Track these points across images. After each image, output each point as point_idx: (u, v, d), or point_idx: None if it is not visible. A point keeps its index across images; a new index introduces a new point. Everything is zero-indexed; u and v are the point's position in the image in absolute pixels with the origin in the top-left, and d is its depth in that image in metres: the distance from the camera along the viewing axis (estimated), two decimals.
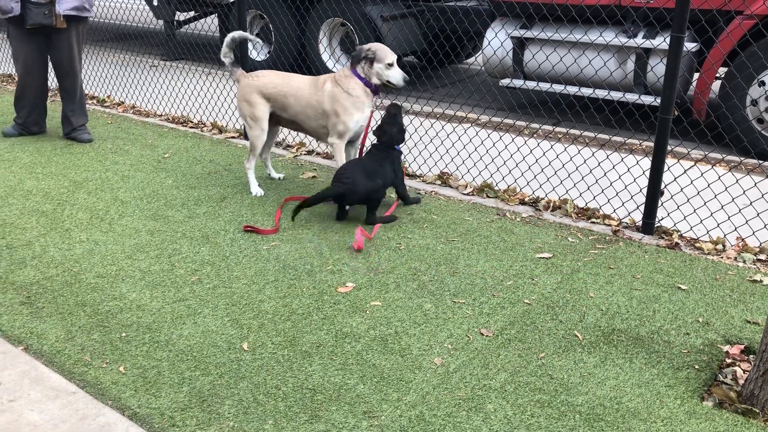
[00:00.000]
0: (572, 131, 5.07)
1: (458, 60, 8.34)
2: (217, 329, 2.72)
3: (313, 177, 4.49)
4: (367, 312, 2.87)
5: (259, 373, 2.45)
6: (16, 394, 2.29)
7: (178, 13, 8.95)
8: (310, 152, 5.01)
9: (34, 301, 2.87)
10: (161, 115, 5.92)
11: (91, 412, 2.22)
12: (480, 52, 6.84)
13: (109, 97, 6.43)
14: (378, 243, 3.51)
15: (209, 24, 9.41)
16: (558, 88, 5.71)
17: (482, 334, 2.72)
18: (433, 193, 4.24)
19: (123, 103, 6.26)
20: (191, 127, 5.59)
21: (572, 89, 5.64)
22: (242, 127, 5.31)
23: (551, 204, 3.98)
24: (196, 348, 2.59)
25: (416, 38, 7.28)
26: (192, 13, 9.29)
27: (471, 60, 8.53)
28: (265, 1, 7.53)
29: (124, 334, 2.66)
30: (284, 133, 5.37)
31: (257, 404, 2.29)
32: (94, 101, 6.39)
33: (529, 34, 5.80)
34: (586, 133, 4.82)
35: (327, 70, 7.36)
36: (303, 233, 3.60)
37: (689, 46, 5.27)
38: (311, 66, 7.47)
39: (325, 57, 7.41)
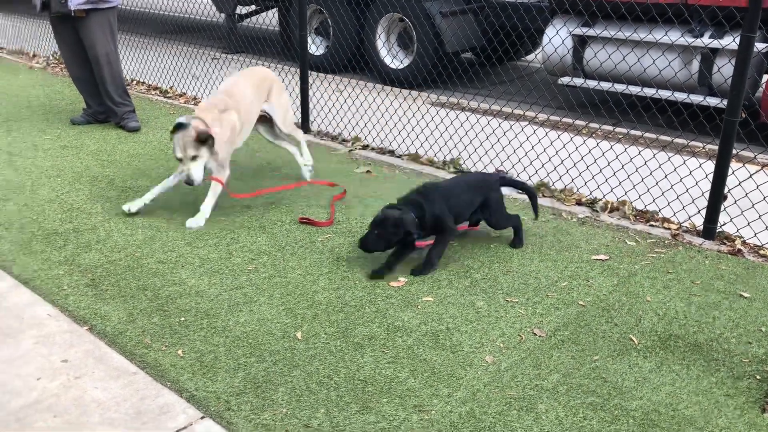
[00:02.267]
0: (633, 132, 4.96)
1: (516, 57, 8.25)
2: (272, 318, 2.77)
3: (368, 172, 4.52)
4: (419, 307, 2.88)
5: (312, 363, 2.49)
6: (81, 372, 2.39)
7: (239, 6, 9.11)
8: (365, 147, 5.04)
9: (98, 284, 2.99)
10: None
11: (151, 392, 2.30)
12: (539, 49, 6.75)
13: (171, 88, 6.60)
14: None
15: (269, 18, 9.54)
16: (620, 87, 5.59)
17: (535, 334, 2.70)
18: None
19: (185, 94, 6.42)
20: None
21: (635, 89, 5.50)
22: (298, 120, 5.39)
23: (609, 205, 3.91)
24: (251, 335, 2.65)
25: (475, 35, 7.23)
26: (252, 7, 9.44)
27: (529, 57, 8.42)
28: None
29: (182, 319, 2.74)
30: (340, 127, 5.42)
31: (310, 392, 2.33)
32: (157, 92, 6.57)
33: (591, 32, 5.69)
34: (647, 135, 4.71)
35: (384, 66, 7.38)
36: (357, 227, 3.63)
37: (760, 46, 5.09)
38: (368, 61, 7.50)
39: (382, 53, 7.43)
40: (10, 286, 2.91)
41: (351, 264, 3.23)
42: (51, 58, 7.85)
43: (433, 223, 3.20)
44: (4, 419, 2.14)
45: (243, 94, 3.82)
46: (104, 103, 5.28)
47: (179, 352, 2.52)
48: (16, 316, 2.70)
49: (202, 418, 2.18)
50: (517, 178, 3.87)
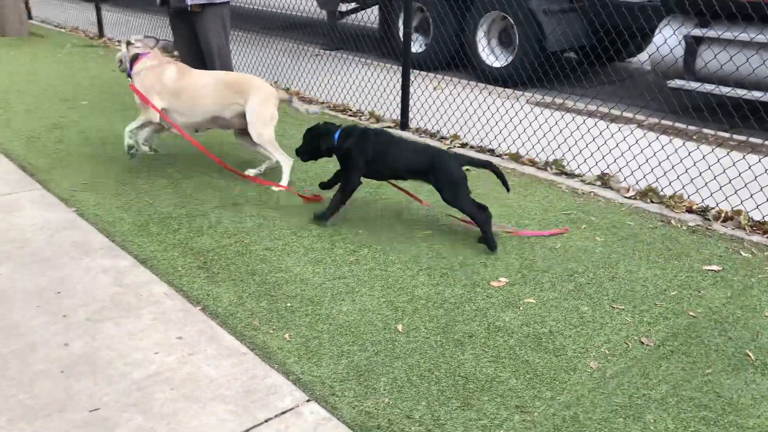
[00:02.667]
0: (753, 139, 4.70)
1: (622, 58, 7.99)
2: (374, 309, 2.82)
3: (467, 170, 4.50)
4: (521, 308, 2.85)
5: (412, 355, 2.51)
6: (194, 349, 2.51)
7: (341, 4, 9.28)
8: (464, 145, 5.02)
9: (210, 266, 3.13)
10: (323, 102, 6.18)
11: (260, 372, 2.38)
12: (649, 50, 6.50)
13: (276, 83, 6.81)
14: (533, 240, 3.47)
15: (370, 16, 9.66)
16: (741, 92, 5.31)
17: (642, 343, 2.61)
18: (591, 194, 4.11)
19: (288, 89, 6.60)
20: (350, 115, 5.80)
21: (757, 93, 5.21)
22: (398, 117, 5.43)
23: (722, 214, 3.72)
24: (353, 324, 2.70)
25: (579, 34, 7.06)
26: (353, 5, 9.59)
27: (635, 58, 8.13)
28: None
29: (289, 304, 2.83)
30: (439, 125, 5.42)
31: (411, 385, 2.35)
32: None
33: (711, 32, 5.42)
34: None
35: (484, 64, 7.33)
36: (459, 223, 3.62)
37: None
38: (468, 59, 7.47)
39: (483, 51, 7.38)
40: (129, 264, 3.10)
41: (450, 261, 3.23)
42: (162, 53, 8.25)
43: (345, 152, 3.50)
44: (126, 388, 2.27)
45: (198, 79, 4.16)
46: None
47: (286, 336, 2.61)
48: (135, 293, 2.86)
49: (308, 401, 2.25)
50: (478, 157, 4.00)
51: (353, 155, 3.48)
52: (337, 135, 3.55)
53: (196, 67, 5.40)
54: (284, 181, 4.10)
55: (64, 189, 3.91)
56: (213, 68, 5.26)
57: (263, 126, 4.08)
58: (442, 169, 3.39)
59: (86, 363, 2.40)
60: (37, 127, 5.07)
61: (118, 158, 4.46)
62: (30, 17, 9.97)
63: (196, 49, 5.27)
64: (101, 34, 9.26)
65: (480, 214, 3.35)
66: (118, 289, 2.88)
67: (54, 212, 3.60)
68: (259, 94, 4.09)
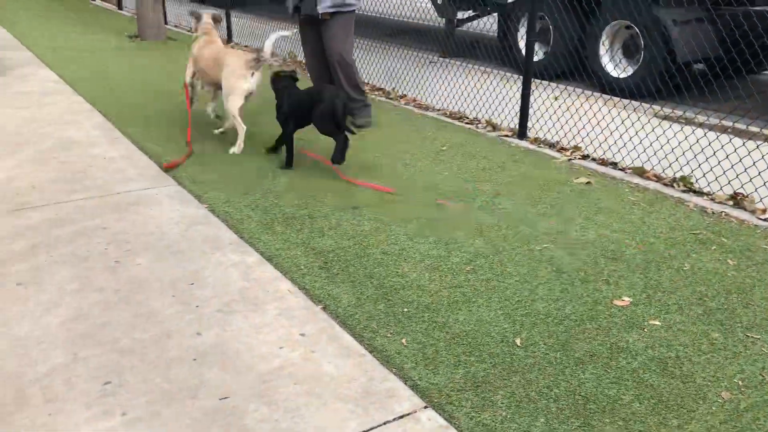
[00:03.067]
0: None
1: (758, 70, 7.51)
2: (491, 320, 2.80)
3: (588, 183, 4.39)
4: (645, 330, 2.74)
5: (531, 371, 2.48)
6: (316, 347, 2.59)
7: (459, 11, 9.29)
8: (585, 157, 4.90)
9: (330, 267, 3.22)
10: (439, 110, 6.21)
11: (378, 375, 2.43)
12: None
13: (393, 89, 6.91)
14: (659, 260, 3.33)
15: (488, 23, 9.62)
16: None
17: None
18: (722, 213, 3.89)
19: (405, 95, 6.69)
20: (466, 123, 5.79)
21: None
22: (516, 126, 5.37)
23: None
24: (470, 334, 2.70)
25: (711, 44, 6.70)
26: (471, 12, 9.58)
27: None
28: (548, 3, 7.49)
29: (405, 309, 2.86)
30: (558, 135, 5.31)
31: (529, 400, 2.32)
32: (380, 93, 6.91)
33: None
34: None
35: (605, 75, 7.11)
36: (580, 237, 3.54)
37: None
38: (589, 69, 7.27)
39: (605, 61, 7.16)
40: (256, 261, 3.24)
41: (571, 277, 3.16)
42: (287, 57, 8.58)
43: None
44: (252, 380, 2.39)
45: (208, 52, 5.09)
46: None
47: (403, 341, 2.64)
48: (262, 288, 3.00)
49: (425, 407, 2.27)
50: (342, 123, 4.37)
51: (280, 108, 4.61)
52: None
53: (321, 74, 5.60)
54: (238, 144, 4.87)
55: (198, 185, 4.15)
56: (336, 75, 5.41)
57: (227, 96, 4.84)
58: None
59: (217, 353, 2.53)
60: (171, 127, 5.41)
61: (247, 159, 4.69)
62: (166, 22, 10.64)
63: (322, 56, 5.45)
64: (229, 39, 9.75)
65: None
66: (246, 283, 3.03)
67: (188, 208, 3.83)
68: (227, 68, 4.80)
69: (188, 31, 10.94)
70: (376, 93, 6.88)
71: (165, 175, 4.32)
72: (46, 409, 2.23)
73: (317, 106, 4.34)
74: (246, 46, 9.43)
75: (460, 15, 9.42)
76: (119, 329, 2.66)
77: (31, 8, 13.70)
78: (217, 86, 5.08)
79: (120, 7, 13.92)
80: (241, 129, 4.85)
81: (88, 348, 2.54)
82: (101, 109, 5.89)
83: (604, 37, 7.14)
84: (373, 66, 7.74)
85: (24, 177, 4.23)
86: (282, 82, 4.62)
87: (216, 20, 5.32)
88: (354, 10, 5.28)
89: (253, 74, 4.80)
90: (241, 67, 4.75)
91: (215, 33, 5.25)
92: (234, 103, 4.79)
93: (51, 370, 2.41)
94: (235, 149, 4.83)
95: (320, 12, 5.07)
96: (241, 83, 4.76)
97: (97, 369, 2.42)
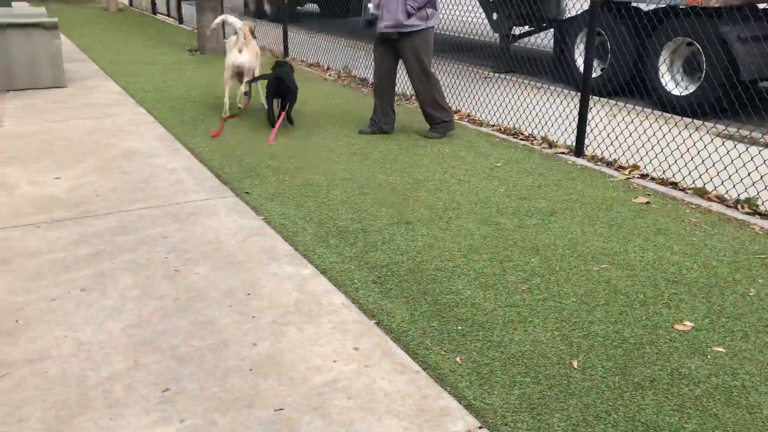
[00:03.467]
0: None
1: None
2: (547, 341, 2.75)
3: (647, 203, 4.29)
4: (708, 357, 2.65)
5: (588, 394, 2.42)
6: (370, 361, 2.59)
7: (514, 27, 9.25)
8: (644, 176, 4.79)
9: (383, 282, 3.22)
10: (493, 125, 6.18)
11: (432, 392, 2.41)
12: None
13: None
14: (722, 284, 3.22)
15: (544, 39, 9.56)
16: None
17: None
18: None
19: (459, 111, 6.67)
20: (521, 139, 5.74)
21: None
22: (573, 144, 5.30)
23: None
24: (526, 355, 2.66)
25: None
26: (527, 28, 9.52)
27: None
28: (606, 19, 7.39)
29: (460, 327, 2.84)
30: (616, 154, 5.21)
31: (586, 424, 2.27)
32: None
33: None
34: None
35: (665, 92, 6.96)
36: (638, 258, 3.46)
37: None
38: (647, 86, 7.13)
39: (664, 78, 7.01)
40: (311, 273, 3.27)
41: (630, 299, 3.09)
42: (342, 72, 8.69)
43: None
44: (307, 392, 2.40)
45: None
46: (391, 116, 5.75)
47: (457, 359, 2.62)
48: (316, 301, 3.02)
49: (480, 427, 2.24)
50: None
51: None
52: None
53: (385, 87, 5.67)
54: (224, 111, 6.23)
55: (254, 197, 4.22)
56: (416, 89, 5.53)
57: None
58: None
59: (272, 363, 2.56)
60: (230, 140, 5.52)
61: (301, 172, 4.75)
62: (224, 36, 10.89)
63: (391, 70, 5.58)
64: (286, 53, 9.92)
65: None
66: (301, 295, 3.06)
67: (245, 219, 3.90)
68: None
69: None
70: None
71: (224, 187, 4.41)
72: (108, 413, 2.28)
73: (271, 79, 5.76)
74: (302, 60, 9.59)
75: (515, 30, 9.37)
76: (178, 337, 2.72)
77: (96, 22, 14.24)
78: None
79: (180, 21, 14.33)
80: (226, 99, 6.20)
81: (148, 354, 2.60)
82: (162, 120, 6.07)
83: (664, 54, 7.00)
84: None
85: (89, 186, 4.38)
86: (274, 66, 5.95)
87: (251, 31, 6.34)
88: (433, 26, 5.39)
89: (241, 50, 6.04)
90: (232, 47, 6.11)
91: (251, 40, 6.29)
92: (224, 75, 6.18)
93: (113, 375, 2.48)
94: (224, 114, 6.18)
95: (381, 30, 5.20)
96: (229, 57, 6.10)
97: (156, 375, 2.48)
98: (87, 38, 11.61)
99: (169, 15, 15.45)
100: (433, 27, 5.40)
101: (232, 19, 6.20)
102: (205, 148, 5.22)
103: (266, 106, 5.89)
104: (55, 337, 2.71)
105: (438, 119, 5.65)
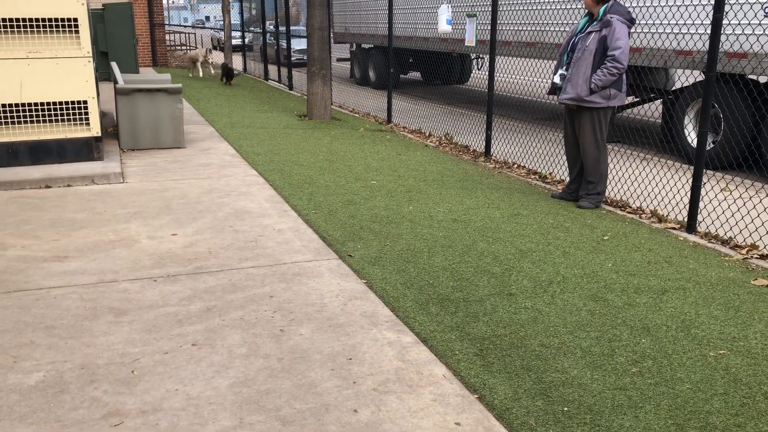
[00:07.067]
0: None
1: None
2: (660, 430, 2.59)
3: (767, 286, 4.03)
4: None
5: None
6: None
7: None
8: (763, 256, 4.51)
9: (485, 355, 3.16)
10: None
11: None
12: None
13: (550, 174, 6.84)
14: None
15: (652, 110, 9.35)
16: None
17: None
18: None
19: (563, 181, 6.58)
20: (629, 212, 5.57)
21: None
22: (684, 219, 5.08)
23: None
24: None
25: None
26: (633, 98, 9.36)
27: None
28: (722, 91, 7.16)
29: (566, 409, 2.73)
30: (733, 231, 4.95)
31: None
32: (536, 177, 6.86)
33: None
34: None
35: None
36: (761, 345, 3.23)
37: None
38: (765, 159, 6.79)
39: None
40: (411, 341, 3.26)
41: (752, 390, 2.87)
42: (443, 138, 8.82)
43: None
44: None
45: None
46: (579, 183, 5.81)
47: None
48: (416, 370, 3.00)
49: None
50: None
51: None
52: None
53: (571, 154, 5.76)
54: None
55: (357, 260, 4.30)
56: (584, 159, 5.57)
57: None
58: None
59: None
60: (334, 202, 5.68)
61: (403, 237, 4.80)
62: (332, 103, 11.36)
63: (574, 139, 5.71)
64: (389, 119, 10.21)
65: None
66: (401, 364, 3.04)
67: (348, 282, 3.96)
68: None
69: (350, 111, 11.61)
70: (532, 177, 6.84)
71: (328, 249, 4.52)
72: None
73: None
74: (404, 128, 9.82)
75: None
76: (282, 397, 2.76)
77: (211, 86, 15.24)
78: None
79: (291, 87, 15.09)
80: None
81: (253, 413, 2.65)
82: (272, 182, 6.34)
83: None
84: (528, 149, 7.74)
85: (203, 243, 4.61)
86: None
87: (209, 51, 9.50)
88: (607, 107, 5.43)
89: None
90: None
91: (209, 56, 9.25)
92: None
93: None
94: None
95: (559, 101, 5.48)
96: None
97: None
98: (204, 102, 12.42)
99: (280, 81, 16.32)
100: (608, 107, 5.43)
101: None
102: (311, 210, 5.39)
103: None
104: (167, 389, 2.82)
105: (594, 190, 5.63)
